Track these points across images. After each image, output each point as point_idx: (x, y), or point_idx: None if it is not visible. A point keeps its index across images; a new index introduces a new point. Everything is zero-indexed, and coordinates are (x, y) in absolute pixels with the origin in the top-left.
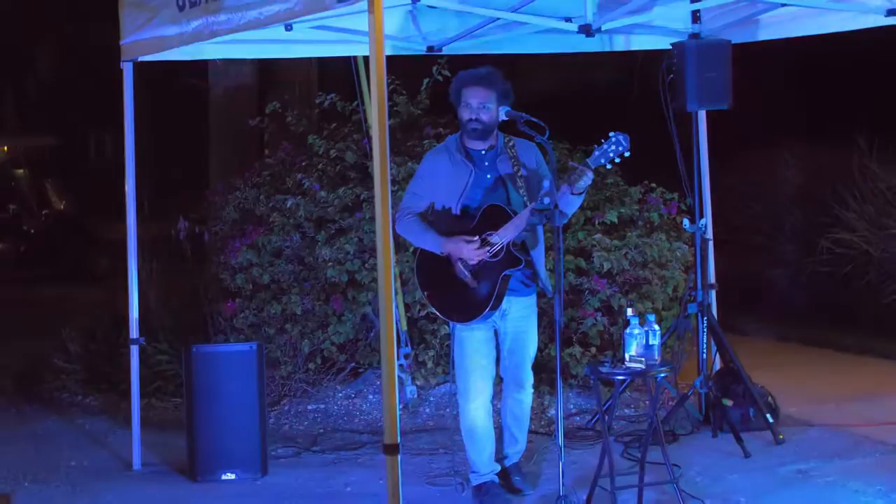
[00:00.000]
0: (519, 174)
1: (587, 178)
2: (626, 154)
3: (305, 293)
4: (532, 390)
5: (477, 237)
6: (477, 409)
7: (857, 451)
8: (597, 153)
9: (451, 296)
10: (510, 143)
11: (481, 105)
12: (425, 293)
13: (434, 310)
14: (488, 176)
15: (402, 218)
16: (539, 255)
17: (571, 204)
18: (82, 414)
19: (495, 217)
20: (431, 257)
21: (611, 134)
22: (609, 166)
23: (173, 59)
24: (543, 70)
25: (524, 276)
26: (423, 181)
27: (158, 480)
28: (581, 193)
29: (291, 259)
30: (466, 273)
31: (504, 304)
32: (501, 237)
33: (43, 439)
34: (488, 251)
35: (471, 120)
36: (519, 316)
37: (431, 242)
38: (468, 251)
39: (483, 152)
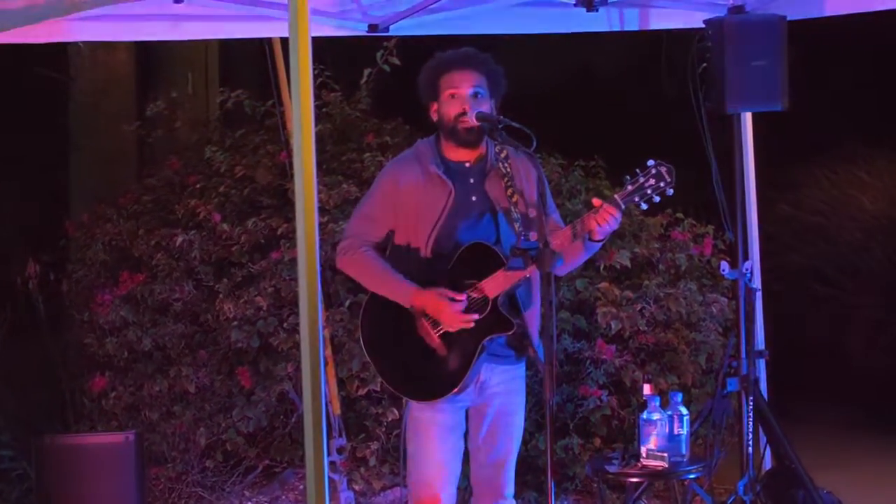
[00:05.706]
0: (515, 200)
1: (614, 222)
2: (669, 192)
3: (201, 364)
4: (515, 501)
5: (465, 295)
6: None
7: None
8: (630, 187)
9: (409, 362)
10: (503, 155)
11: (476, 92)
12: (371, 356)
13: (382, 380)
14: (473, 198)
15: (351, 250)
16: (533, 316)
17: (583, 254)
18: None
19: (480, 260)
20: (385, 304)
21: (649, 163)
22: (644, 206)
23: (19, 41)
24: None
25: (512, 338)
26: (384, 199)
27: None
28: (601, 241)
29: (182, 317)
30: (433, 336)
31: (483, 375)
32: (488, 290)
33: None
34: (476, 317)
35: (462, 114)
36: (502, 390)
37: (395, 289)
38: (450, 314)
39: (468, 165)
